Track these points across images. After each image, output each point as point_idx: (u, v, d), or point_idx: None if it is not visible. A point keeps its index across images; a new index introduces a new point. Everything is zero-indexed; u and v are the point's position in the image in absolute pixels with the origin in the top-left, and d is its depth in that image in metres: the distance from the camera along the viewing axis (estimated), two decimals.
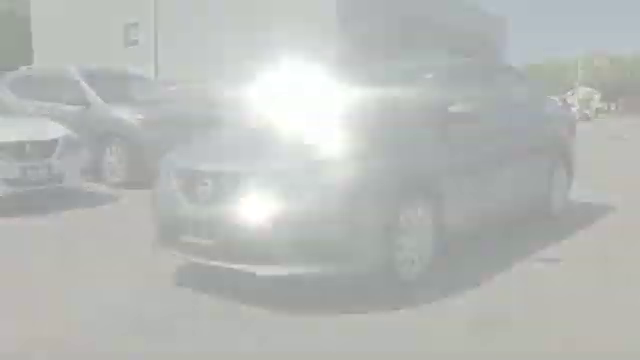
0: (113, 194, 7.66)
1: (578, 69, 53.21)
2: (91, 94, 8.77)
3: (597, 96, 56.24)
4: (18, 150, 6.31)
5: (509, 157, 4.81)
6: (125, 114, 8.50)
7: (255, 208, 3.34)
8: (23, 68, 11.47)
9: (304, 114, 4.66)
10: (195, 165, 3.73)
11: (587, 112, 41.77)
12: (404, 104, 4.27)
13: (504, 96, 5.19)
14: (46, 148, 6.54)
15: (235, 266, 3.44)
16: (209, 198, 3.52)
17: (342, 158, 3.44)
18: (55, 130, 6.90)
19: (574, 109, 40.15)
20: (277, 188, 3.34)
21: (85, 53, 35.29)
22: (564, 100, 42.93)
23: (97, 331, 3.13)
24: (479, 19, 44.99)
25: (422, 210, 3.73)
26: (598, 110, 48.41)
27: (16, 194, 6.35)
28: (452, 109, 4.11)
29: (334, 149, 3.52)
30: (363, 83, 4.97)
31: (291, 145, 3.67)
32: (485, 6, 45.75)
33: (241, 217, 3.36)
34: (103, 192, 7.83)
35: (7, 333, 3.07)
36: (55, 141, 6.66)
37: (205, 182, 3.56)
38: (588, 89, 55.52)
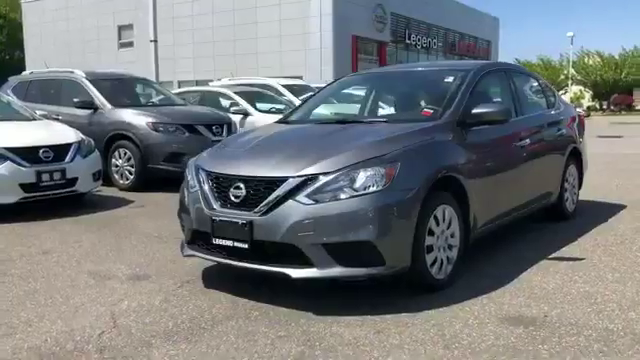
0: (126, 197, 7.70)
1: (570, 68, 53.57)
2: (99, 97, 8.80)
3: (588, 95, 56.66)
4: (33, 154, 6.33)
5: (529, 156, 4.89)
6: (134, 117, 8.52)
7: (289, 212, 3.38)
8: (26, 72, 11.46)
9: (333, 119, 4.71)
10: (228, 169, 3.77)
11: (580, 110, 42.16)
12: (437, 106, 4.33)
13: (523, 96, 5.26)
14: (61, 152, 6.55)
15: (270, 268, 3.49)
16: (243, 202, 3.57)
17: (374, 162, 3.48)
18: (69, 134, 6.92)
19: None
20: (311, 192, 3.39)
21: (78, 56, 35.07)
22: None
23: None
24: (472, 19, 45.44)
25: (449, 210, 3.79)
26: (589, 108, 48.75)
27: (31, 199, 6.37)
28: (475, 110, 4.18)
29: (365, 153, 3.56)
30: (386, 87, 5.04)
31: (322, 150, 3.71)
32: (476, 5, 45.99)
33: (276, 220, 3.40)
34: (116, 195, 7.88)
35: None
36: (69, 145, 6.68)
37: (239, 186, 3.61)
38: (580, 87, 55.95)
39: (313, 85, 16.91)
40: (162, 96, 10.43)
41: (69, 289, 3.98)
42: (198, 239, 3.90)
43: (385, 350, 2.91)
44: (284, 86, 13.90)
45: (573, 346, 2.89)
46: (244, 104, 10.84)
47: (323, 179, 3.41)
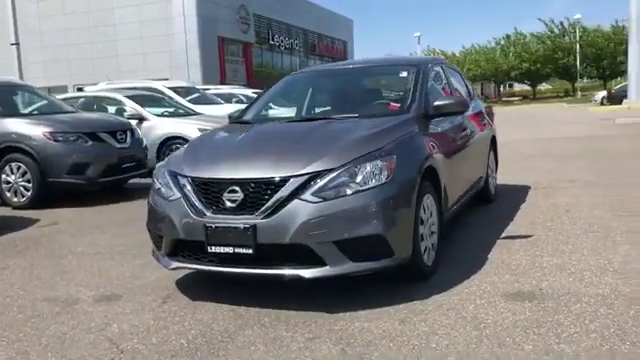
0: (26, 216, 6.97)
1: None
2: None
3: None
4: None
5: (470, 144, 5.20)
6: (27, 127, 7.74)
7: (297, 212, 3.31)
8: None
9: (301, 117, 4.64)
10: (216, 173, 3.59)
11: None
12: (402, 100, 4.45)
13: (456, 89, 5.58)
14: None
15: (279, 272, 3.39)
16: (240, 206, 3.43)
17: (374, 155, 3.51)
18: None
19: None
20: (317, 190, 3.34)
21: None
22: None
23: None
24: (328, 20, 46.93)
25: (430, 199, 3.93)
26: None
27: None
28: (436, 103, 4.37)
29: (363, 147, 3.58)
30: (341, 83, 5.08)
31: (317, 146, 3.67)
32: (329, 7, 47.63)
33: (282, 222, 3.31)
34: (14, 215, 7.10)
35: None
36: None
37: (234, 189, 3.45)
38: None
39: (199, 87, 16.50)
40: (44, 102, 9.53)
41: (36, 320, 3.55)
42: (184, 249, 3.67)
43: (422, 338, 2.96)
44: (169, 89, 13.42)
45: (583, 312, 3.15)
46: (139, 109, 10.30)
47: (328, 176, 3.38)
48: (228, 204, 3.47)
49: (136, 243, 5.31)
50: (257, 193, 3.42)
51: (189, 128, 9.95)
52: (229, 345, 3.03)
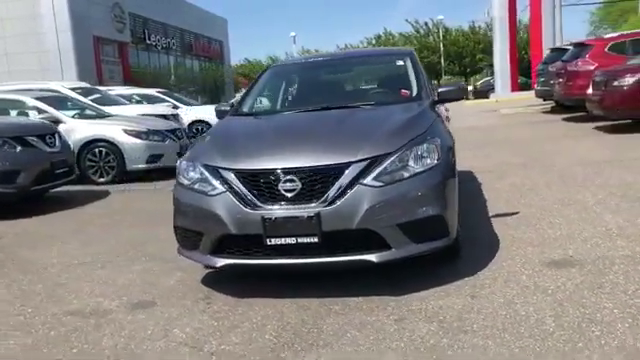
0: None
1: None
2: None
3: None
4: None
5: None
6: None
7: (361, 197, 3.30)
8: None
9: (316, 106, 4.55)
10: (266, 164, 3.47)
11: None
12: (406, 87, 4.57)
13: None
14: None
15: (346, 258, 3.36)
16: (298, 195, 3.35)
17: (423, 138, 3.59)
18: None
19: None
20: (378, 174, 3.36)
21: None
22: None
23: None
24: (203, 20, 46.04)
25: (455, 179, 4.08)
26: None
27: None
28: (441, 90, 4.56)
29: (410, 131, 3.65)
30: (336, 73, 5.07)
31: (364, 132, 3.67)
32: (203, 6, 46.84)
33: (347, 208, 3.29)
34: None
35: None
36: None
37: (291, 179, 3.37)
38: None
39: (102, 88, 15.50)
40: None
41: (78, 334, 3.23)
42: (232, 245, 3.51)
43: (506, 308, 3.09)
44: (70, 89, 12.49)
45: (627, 272, 3.47)
46: (53, 111, 9.49)
47: (387, 160, 3.40)
48: (285, 194, 3.38)
49: (113, 250, 5.01)
50: (316, 181, 3.37)
51: (114, 130, 9.36)
52: (321, 335, 2.97)
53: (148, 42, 37.72)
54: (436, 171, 3.51)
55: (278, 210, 3.35)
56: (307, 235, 3.32)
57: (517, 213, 5.14)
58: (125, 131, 9.33)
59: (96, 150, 9.27)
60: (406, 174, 3.41)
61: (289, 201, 3.37)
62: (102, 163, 9.28)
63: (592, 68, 12.59)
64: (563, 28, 29.85)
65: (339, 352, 2.77)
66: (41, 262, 4.81)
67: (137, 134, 9.37)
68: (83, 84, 14.15)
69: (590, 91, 11.53)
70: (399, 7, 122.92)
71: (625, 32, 16.27)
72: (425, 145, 3.55)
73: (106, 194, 8.25)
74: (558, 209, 5.17)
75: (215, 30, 49.37)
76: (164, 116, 12.41)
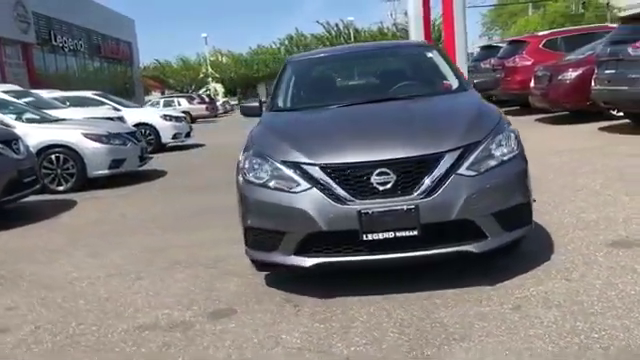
0: None
1: (208, 67, 56.94)
2: None
3: (222, 91, 60.93)
4: None
5: None
6: None
7: (458, 187, 3.25)
8: None
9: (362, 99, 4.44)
10: (356, 157, 3.34)
11: (227, 106, 45.13)
12: (442, 78, 4.60)
13: None
14: None
15: (446, 250, 3.30)
16: (393, 187, 3.26)
17: (502, 127, 3.60)
18: None
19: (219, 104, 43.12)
20: (470, 163, 3.33)
21: None
22: (208, 96, 45.49)
23: None
24: (111, 20, 44.09)
25: None
26: (225, 103, 51.27)
27: None
28: (476, 81, 4.62)
29: (489, 121, 3.64)
30: (366, 65, 4.98)
31: (442, 122, 3.64)
32: (110, 7, 44.91)
33: (446, 199, 3.23)
34: None
35: None
36: None
37: (385, 172, 3.26)
38: (218, 85, 60.04)
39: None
40: None
41: (172, 349, 2.96)
42: (320, 243, 3.36)
43: (613, 288, 3.16)
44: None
45: None
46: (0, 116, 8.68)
47: (477, 148, 3.38)
48: (378, 187, 3.27)
49: (134, 260, 4.69)
50: (410, 173, 3.29)
51: (72, 134, 8.72)
52: (448, 328, 2.89)
53: (54, 44, 35.60)
54: (519, 159, 3.53)
55: (374, 204, 3.24)
56: (406, 229, 3.23)
57: (534, 201, 5.28)
58: (85, 135, 8.72)
59: (53, 156, 8.59)
60: (494, 162, 3.41)
61: (382, 194, 3.26)
62: (60, 170, 8.61)
63: (529, 64, 13.29)
64: None
65: (483, 343, 2.71)
66: (60, 277, 4.38)
67: (97, 138, 8.79)
68: (15, 87, 13.08)
69: (532, 85, 12.16)
70: (304, 8, 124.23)
71: (557, 29, 17.29)
72: (506, 133, 3.56)
73: (74, 203, 7.65)
74: (571, 195, 5.37)
75: (123, 31, 47.46)
76: (110, 119, 11.77)
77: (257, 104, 4.67)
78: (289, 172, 3.42)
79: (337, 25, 57.60)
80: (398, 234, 3.24)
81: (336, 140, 3.56)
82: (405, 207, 3.21)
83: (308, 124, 4.03)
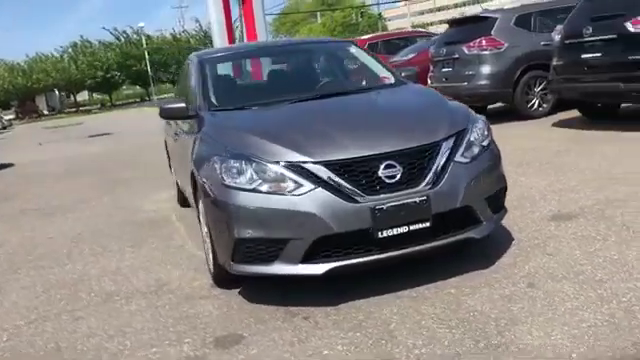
0: None
1: None
2: None
3: None
4: None
5: None
6: None
7: (458, 175, 3.25)
8: None
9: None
10: (359, 151, 3.14)
11: (4, 122, 39.91)
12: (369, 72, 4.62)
13: None
14: None
15: (454, 239, 3.28)
16: (401, 180, 3.15)
17: (475, 116, 3.69)
18: None
19: None
20: (463, 151, 3.35)
21: None
22: None
23: None
24: None
25: None
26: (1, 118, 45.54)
27: None
28: (404, 73, 4.70)
29: (462, 110, 3.71)
30: (295, 61, 4.69)
31: (421, 113, 3.61)
32: None
33: (450, 187, 3.20)
34: None
35: None
36: None
37: (391, 164, 3.14)
38: None
39: None
40: None
41: None
42: (329, 247, 3.11)
43: (584, 263, 3.41)
44: None
45: None
46: None
47: (465, 136, 3.41)
48: (387, 181, 3.13)
49: (46, 300, 3.94)
50: (414, 163, 3.20)
51: None
52: (493, 316, 2.86)
53: None
54: (494, 145, 3.65)
55: (386, 199, 3.09)
56: (419, 221, 3.14)
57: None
58: None
59: None
60: (477, 149, 3.47)
61: (390, 188, 3.13)
62: None
63: None
64: None
65: (537, 322, 2.73)
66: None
67: None
68: None
69: None
70: (79, 12, 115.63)
71: (378, 34, 18.40)
72: (480, 121, 3.65)
73: None
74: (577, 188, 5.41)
75: None
76: None
77: (183, 104, 4.17)
78: (286, 173, 3.11)
79: (125, 32, 54.82)
80: (412, 227, 3.14)
81: (330, 136, 3.32)
82: (418, 199, 3.12)
83: (282, 121, 3.70)
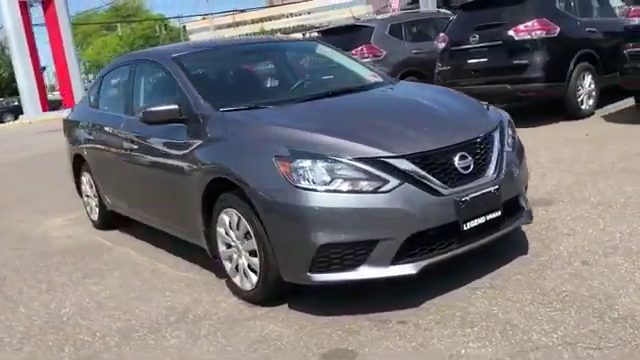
0: None
1: None
2: None
3: None
4: None
5: None
6: None
7: (510, 164, 3.31)
8: None
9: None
10: (430, 143, 3.06)
11: None
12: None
13: None
14: None
15: (512, 226, 3.34)
16: (472, 170, 3.12)
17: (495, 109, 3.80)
18: None
19: None
20: (506, 141, 3.42)
21: None
22: None
23: None
24: None
25: None
26: None
27: None
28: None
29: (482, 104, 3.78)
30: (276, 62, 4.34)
31: (449, 105, 3.63)
32: None
33: (508, 176, 3.25)
34: None
35: None
36: None
37: (464, 155, 3.10)
38: None
39: None
40: None
41: None
42: (417, 244, 2.96)
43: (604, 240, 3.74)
44: None
45: None
46: None
47: (504, 127, 3.49)
48: (462, 171, 3.09)
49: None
50: (479, 153, 3.21)
51: None
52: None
53: None
54: (517, 136, 3.78)
55: (465, 190, 3.04)
56: (494, 210, 3.16)
57: None
58: None
59: None
60: (512, 140, 3.55)
61: (466, 179, 3.10)
62: None
63: None
64: None
65: (635, 292, 2.90)
66: None
67: None
68: None
69: None
70: None
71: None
72: (504, 113, 3.76)
73: None
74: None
75: None
76: None
77: (175, 106, 3.64)
78: (369, 169, 2.90)
79: None
80: (488, 217, 3.14)
81: (395, 130, 3.17)
82: (492, 189, 3.13)
83: (328, 118, 3.41)
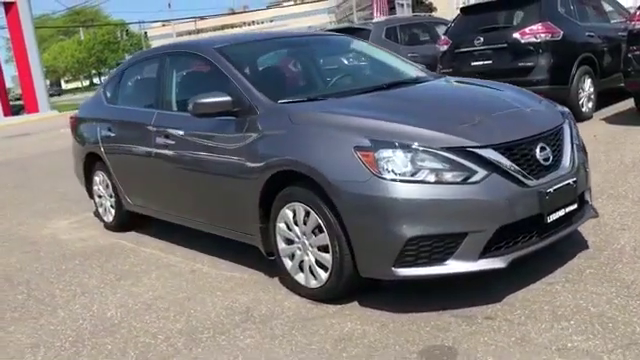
0: None
1: None
2: None
3: None
4: None
5: None
6: None
7: (578, 158, 3.25)
8: None
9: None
10: (512, 134, 2.97)
11: None
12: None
13: None
14: None
15: (583, 220, 3.29)
16: (551, 162, 3.06)
17: None
18: None
19: None
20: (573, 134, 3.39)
21: None
22: None
23: None
24: None
25: None
26: None
27: None
28: None
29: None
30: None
31: (511, 96, 3.58)
32: None
33: (578, 169, 3.19)
34: None
35: None
36: None
37: (543, 147, 3.03)
38: None
39: None
40: None
41: None
42: (504, 237, 2.87)
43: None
44: None
45: None
46: None
47: (570, 120, 3.45)
48: (543, 163, 3.02)
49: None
50: (555, 145, 3.15)
51: None
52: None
53: None
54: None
55: (546, 182, 2.98)
56: (572, 203, 3.12)
57: None
58: None
59: None
60: (576, 133, 3.52)
61: (546, 170, 3.03)
62: None
63: None
64: None
65: None
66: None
67: None
68: None
69: None
70: None
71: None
72: (565, 107, 3.72)
73: None
74: None
75: None
76: None
77: (228, 98, 3.47)
78: (457, 159, 2.80)
79: None
80: (567, 210, 3.09)
81: (475, 119, 3.07)
82: (571, 181, 3.08)
83: (399, 109, 3.28)
